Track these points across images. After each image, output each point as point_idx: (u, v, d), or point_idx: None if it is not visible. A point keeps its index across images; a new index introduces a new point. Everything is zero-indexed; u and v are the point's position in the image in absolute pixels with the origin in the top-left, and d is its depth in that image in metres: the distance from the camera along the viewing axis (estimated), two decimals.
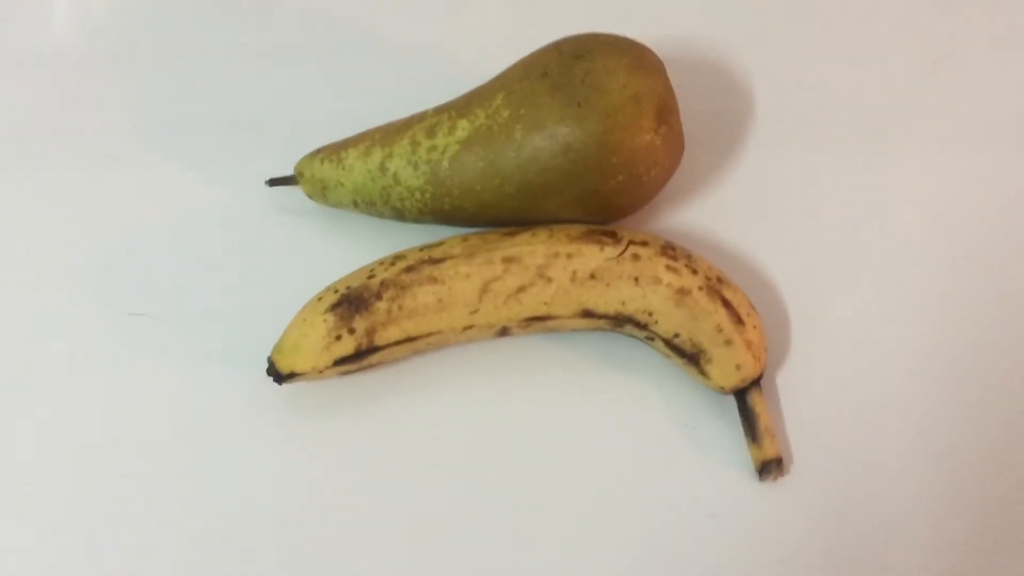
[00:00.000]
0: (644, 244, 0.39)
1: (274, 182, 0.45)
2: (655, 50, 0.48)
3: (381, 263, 0.40)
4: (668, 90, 0.39)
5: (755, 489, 0.40)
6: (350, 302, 0.39)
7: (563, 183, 0.39)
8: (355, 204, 0.43)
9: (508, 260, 0.39)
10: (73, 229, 0.45)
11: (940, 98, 0.48)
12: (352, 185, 0.42)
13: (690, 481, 0.40)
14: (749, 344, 0.39)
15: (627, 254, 0.39)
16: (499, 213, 0.40)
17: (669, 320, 0.39)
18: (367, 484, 0.40)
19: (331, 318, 0.38)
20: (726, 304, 0.39)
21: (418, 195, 0.41)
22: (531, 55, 0.40)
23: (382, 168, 0.41)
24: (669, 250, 0.40)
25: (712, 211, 0.45)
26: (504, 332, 0.40)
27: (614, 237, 0.39)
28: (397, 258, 0.40)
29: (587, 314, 0.39)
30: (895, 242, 0.45)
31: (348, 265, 0.42)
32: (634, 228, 0.44)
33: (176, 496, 0.40)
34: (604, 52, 0.38)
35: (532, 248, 0.39)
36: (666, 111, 0.39)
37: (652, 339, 0.40)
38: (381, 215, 0.43)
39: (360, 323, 0.39)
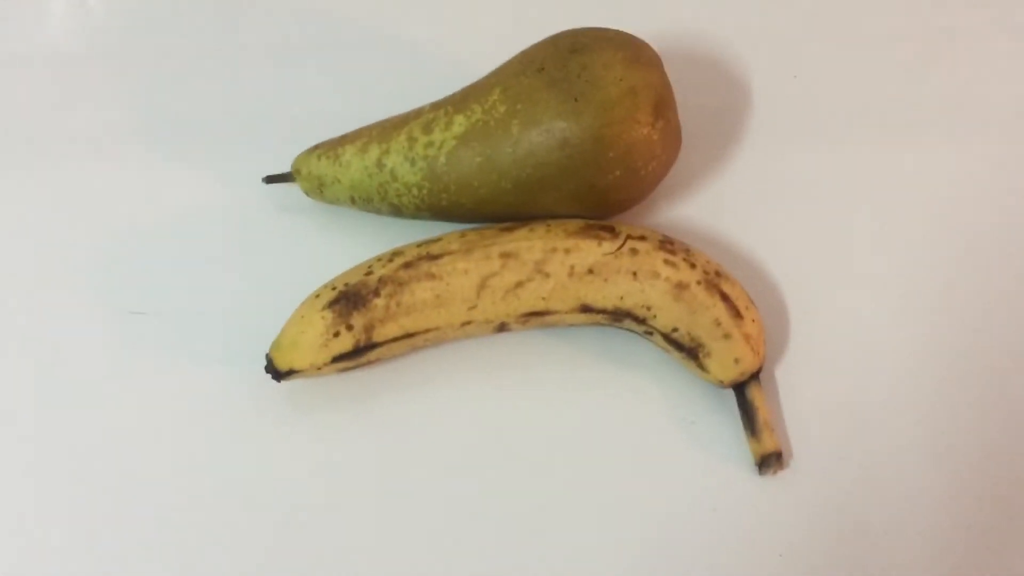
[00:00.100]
0: (642, 238, 0.39)
1: (271, 179, 0.45)
2: (652, 44, 0.47)
3: (379, 259, 0.40)
4: (665, 84, 0.39)
5: (754, 483, 0.40)
6: (348, 299, 0.39)
7: (560, 178, 0.38)
8: (352, 201, 0.43)
9: (506, 256, 0.39)
10: (71, 228, 0.45)
11: (938, 92, 0.48)
12: (349, 182, 0.42)
13: (689, 475, 0.40)
14: (748, 338, 0.39)
15: (625, 248, 0.39)
16: (496, 208, 0.40)
17: (667, 314, 0.39)
18: (366, 481, 0.40)
19: (329, 315, 0.38)
20: (724, 298, 0.39)
21: (415, 191, 0.41)
22: (527, 50, 0.40)
23: (379, 164, 0.41)
24: (667, 244, 0.40)
25: (710, 205, 0.45)
26: (502, 328, 0.40)
27: (612, 232, 0.39)
28: (395, 254, 0.40)
29: (585, 309, 0.39)
30: (893, 235, 0.45)
31: (346, 262, 0.42)
32: (632, 222, 0.44)
33: (175, 493, 0.40)
34: (600, 46, 0.38)
35: (530, 243, 0.39)
36: (663, 105, 0.38)
37: (651, 333, 0.40)
38: (378, 211, 0.43)
39: (358, 320, 0.38)
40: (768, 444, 0.39)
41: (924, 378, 0.42)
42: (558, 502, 0.40)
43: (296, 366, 0.39)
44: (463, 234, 0.40)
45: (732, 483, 0.40)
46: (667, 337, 0.39)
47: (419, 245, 0.40)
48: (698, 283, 0.39)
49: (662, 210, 0.45)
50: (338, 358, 0.39)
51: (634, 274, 0.39)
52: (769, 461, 0.39)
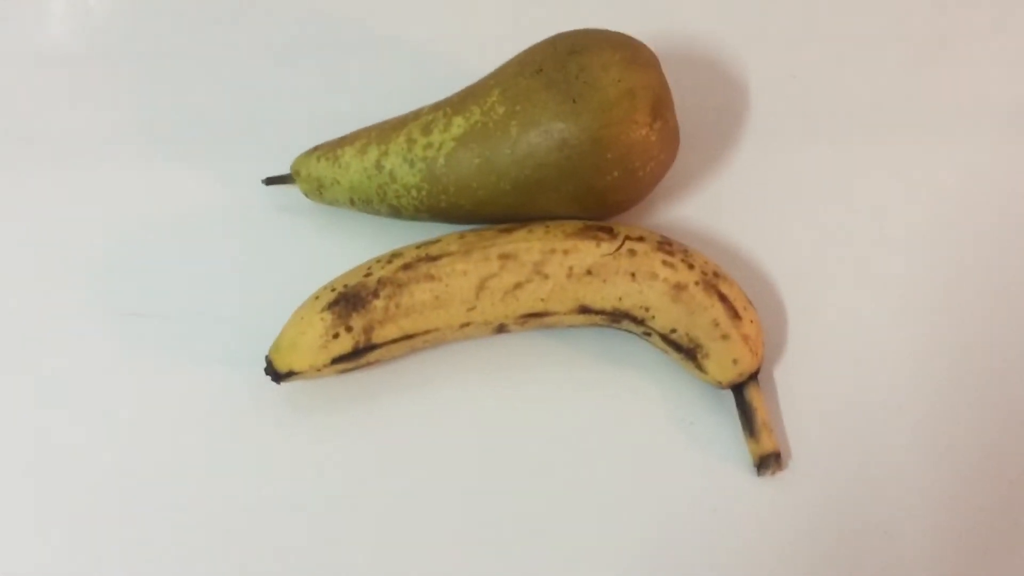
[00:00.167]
0: (640, 239, 0.39)
1: (270, 181, 0.45)
2: (650, 45, 0.48)
3: (378, 261, 0.40)
4: (663, 85, 0.39)
5: (753, 484, 0.40)
6: (347, 300, 0.39)
7: (559, 179, 0.39)
8: (352, 202, 0.43)
9: (504, 257, 0.39)
10: (69, 228, 0.45)
11: (937, 92, 0.48)
12: (348, 183, 0.42)
13: (688, 476, 0.40)
14: (746, 338, 0.39)
15: (623, 250, 0.39)
16: (495, 210, 0.40)
17: (666, 315, 0.39)
18: (366, 482, 0.40)
19: (328, 316, 0.39)
20: (723, 299, 0.39)
21: (414, 192, 0.41)
22: (526, 51, 0.40)
23: (378, 166, 0.41)
24: (665, 245, 0.40)
25: (708, 206, 0.45)
26: (501, 329, 0.40)
27: (610, 233, 0.39)
28: (394, 256, 0.40)
29: (584, 310, 0.39)
30: (892, 235, 0.45)
31: (345, 263, 0.42)
32: (630, 223, 0.44)
33: (174, 495, 0.40)
34: (599, 48, 0.38)
35: (528, 245, 0.39)
36: (661, 106, 0.38)
37: (649, 334, 0.40)
38: (378, 213, 0.43)
39: (357, 321, 0.39)
40: (767, 445, 0.39)
41: (923, 379, 0.42)
42: (557, 503, 0.40)
43: (295, 368, 0.39)
44: (462, 235, 0.40)
45: (731, 484, 0.40)
46: (665, 338, 0.40)
47: (418, 246, 0.40)
48: (696, 284, 0.39)
49: (660, 211, 0.45)
50: (337, 360, 0.39)
51: (632, 275, 0.39)
52: (768, 462, 0.39)
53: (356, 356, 0.39)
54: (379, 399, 0.41)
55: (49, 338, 0.43)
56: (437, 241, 0.40)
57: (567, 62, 0.38)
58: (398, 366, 0.42)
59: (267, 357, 0.39)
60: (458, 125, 0.40)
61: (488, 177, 0.39)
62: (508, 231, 0.40)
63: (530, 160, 0.38)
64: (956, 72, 0.49)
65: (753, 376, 0.39)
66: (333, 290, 0.39)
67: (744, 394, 0.39)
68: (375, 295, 0.39)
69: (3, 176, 0.47)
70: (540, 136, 0.38)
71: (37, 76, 0.49)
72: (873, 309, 0.43)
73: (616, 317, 0.40)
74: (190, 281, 0.44)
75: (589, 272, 0.39)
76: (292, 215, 0.45)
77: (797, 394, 0.41)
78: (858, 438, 0.40)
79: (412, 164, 0.40)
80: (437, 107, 0.41)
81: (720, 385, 0.40)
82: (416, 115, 0.41)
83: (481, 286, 0.39)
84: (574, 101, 0.37)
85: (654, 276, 0.39)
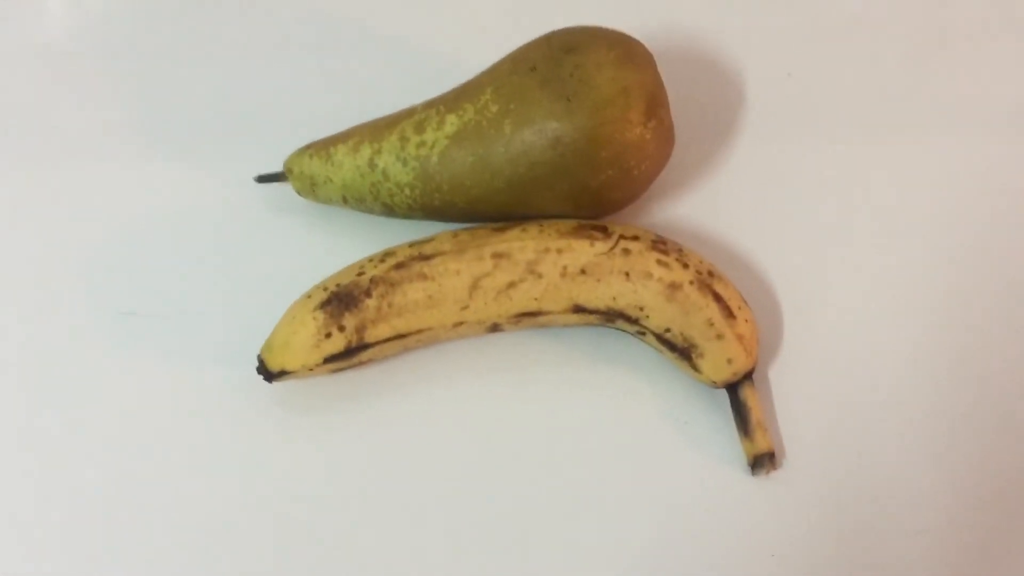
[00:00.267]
0: (635, 238, 0.39)
1: (263, 179, 0.44)
2: (645, 43, 0.47)
3: (371, 260, 0.40)
4: (658, 83, 0.39)
5: (747, 483, 0.40)
6: (340, 299, 0.38)
7: (553, 178, 0.38)
8: (344, 200, 0.42)
9: (498, 256, 0.39)
10: (61, 226, 0.45)
11: (934, 90, 0.48)
12: (341, 181, 0.42)
13: (682, 476, 0.40)
14: (740, 338, 0.39)
15: (618, 249, 0.39)
16: (489, 208, 0.40)
17: (660, 315, 0.39)
18: (359, 481, 0.40)
19: (321, 316, 0.38)
20: (717, 298, 0.39)
21: (407, 191, 0.41)
22: (520, 49, 0.40)
23: (371, 164, 0.41)
24: (660, 244, 0.39)
25: (704, 205, 0.45)
26: (495, 328, 0.40)
27: (604, 232, 0.39)
28: (387, 255, 0.40)
29: (578, 309, 0.39)
30: (888, 234, 0.45)
31: (338, 262, 0.42)
32: (625, 222, 0.44)
33: (165, 494, 0.40)
34: (593, 46, 0.38)
35: (522, 244, 0.39)
36: (656, 104, 0.38)
37: (643, 334, 0.40)
38: (371, 211, 0.43)
39: (350, 320, 0.38)
40: (761, 444, 0.39)
41: (918, 378, 0.42)
42: (550, 503, 0.39)
43: (288, 367, 0.39)
44: (455, 234, 0.40)
45: (725, 483, 0.40)
46: (660, 337, 0.39)
47: (411, 245, 0.40)
48: (691, 283, 0.39)
49: (655, 210, 0.45)
50: (330, 359, 0.39)
51: (627, 274, 0.39)
52: (762, 461, 0.39)
53: (348, 355, 0.39)
54: (372, 399, 0.41)
55: (40, 336, 0.43)
56: (430, 240, 0.40)
57: (561, 60, 0.38)
58: (391, 365, 0.42)
59: (259, 356, 0.39)
60: (451, 123, 0.39)
61: (482, 176, 0.39)
62: (502, 230, 0.40)
63: (524, 159, 0.38)
64: (954, 71, 0.49)
65: (748, 375, 0.39)
66: (325, 289, 0.39)
67: (739, 393, 0.39)
68: (368, 294, 0.38)
69: None
70: (534, 134, 0.38)
71: (30, 73, 0.49)
72: (868, 308, 0.43)
73: (610, 316, 0.40)
74: (181, 279, 0.44)
75: (583, 271, 0.39)
76: (285, 213, 0.45)
77: (792, 394, 0.41)
78: (853, 438, 0.40)
79: (405, 162, 0.40)
80: (430, 105, 0.41)
81: (715, 385, 0.39)
82: (409, 113, 0.41)
83: (474, 285, 0.39)
84: (568, 99, 0.37)
85: (648, 275, 0.39)
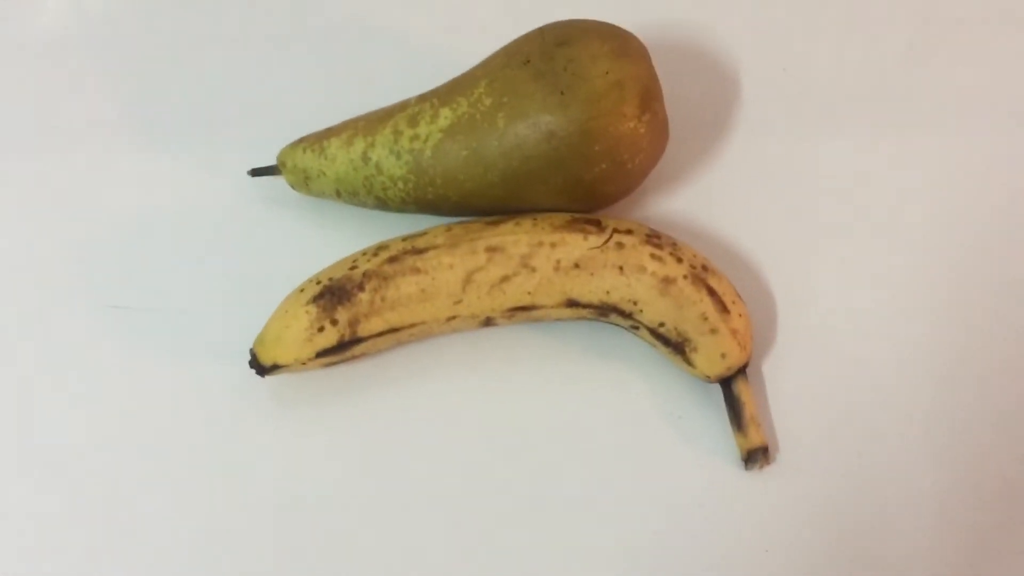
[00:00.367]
0: (628, 232, 0.39)
1: (256, 172, 0.44)
2: (639, 36, 0.47)
3: (364, 253, 0.39)
4: (652, 76, 0.39)
5: (741, 478, 0.40)
6: (332, 293, 0.38)
7: (546, 171, 0.38)
8: (338, 194, 0.42)
9: (491, 250, 0.39)
10: (52, 219, 0.45)
11: (928, 83, 0.48)
12: (335, 175, 0.41)
13: (676, 470, 0.40)
14: (734, 332, 0.39)
15: (611, 243, 0.39)
16: (483, 202, 0.40)
17: (654, 309, 0.39)
18: (352, 475, 0.40)
19: (313, 309, 0.38)
20: (711, 292, 0.39)
21: (401, 184, 0.40)
22: (514, 42, 0.40)
23: (364, 157, 0.41)
24: (654, 238, 0.39)
25: (698, 198, 0.45)
26: (488, 322, 0.40)
27: (598, 226, 0.39)
28: (380, 248, 0.39)
29: (571, 304, 0.39)
30: (884, 229, 0.44)
31: (331, 255, 0.42)
32: (619, 216, 0.44)
33: (158, 488, 0.40)
34: (587, 39, 0.38)
35: (516, 237, 0.39)
36: (650, 98, 0.38)
37: (637, 328, 0.40)
38: (364, 205, 0.42)
39: (343, 314, 0.38)
40: (755, 439, 0.39)
41: (913, 373, 0.41)
42: (543, 497, 0.39)
43: (280, 361, 0.38)
44: (449, 228, 0.40)
45: (718, 478, 0.40)
46: (653, 332, 0.39)
47: (404, 239, 0.40)
48: (685, 277, 0.39)
49: (649, 203, 0.45)
50: (322, 353, 0.39)
51: (620, 268, 0.39)
52: (755, 456, 0.39)
53: (341, 349, 0.39)
54: (365, 393, 0.41)
55: (32, 331, 0.43)
56: (424, 234, 0.40)
57: (555, 53, 0.38)
58: (384, 359, 0.42)
59: (251, 350, 0.39)
60: (445, 117, 0.39)
61: (475, 169, 0.39)
62: (495, 224, 0.39)
63: (518, 152, 0.38)
64: (949, 65, 0.49)
65: (741, 370, 0.39)
66: (318, 283, 0.39)
67: (732, 388, 0.39)
68: (360, 288, 0.38)
69: None
70: (528, 128, 0.38)
71: (23, 68, 0.49)
72: (863, 303, 0.43)
73: (604, 311, 0.39)
74: (174, 273, 0.44)
75: (577, 265, 0.39)
76: (278, 207, 0.45)
77: (786, 388, 0.41)
78: (847, 433, 0.40)
79: (399, 156, 0.40)
80: (424, 98, 0.40)
81: (708, 379, 0.39)
82: (403, 106, 0.41)
83: (468, 279, 0.39)
84: (562, 93, 0.37)
85: (642, 269, 0.39)
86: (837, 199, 0.45)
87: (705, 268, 0.39)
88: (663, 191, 0.45)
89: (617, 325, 0.41)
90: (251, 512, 0.39)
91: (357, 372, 0.41)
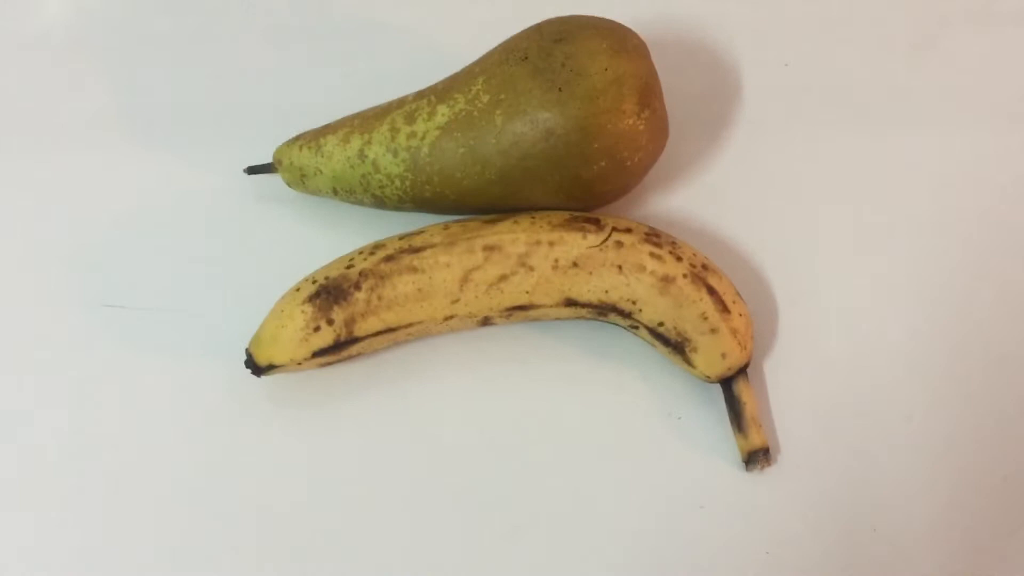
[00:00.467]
0: (628, 231, 0.39)
1: (252, 170, 0.44)
2: (638, 31, 0.47)
3: (360, 252, 0.39)
4: (651, 73, 0.38)
5: (742, 479, 0.39)
6: (328, 292, 0.38)
7: (545, 169, 0.38)
8: (334, 192, 0.42)
9: (489, 248, 0.38)
10: (46, 217, 0.45)
11: (930, 79, 0.48)
12: (331, 172, 0.41)
13: (676, 471, 0.40)
14: (735, 332, 0.38)
15: (610, 241, 0.38)
16: (480, 200, 0.40)
17: (653, 308, 0.38)
18: (348, 475, 0.40)
19: (309, 309, 0.38)
20: (711, 292, 0.38)
21: (398, 182, 0.40)
22: (512, 38, 0.40)
23: (361, 155, 0.40)
24: (653, 237, 0.39)
25: (698, 196, 0.45)
26: (486, 322, 0.40)
27: (597, 224, 0.39)
28: (376, 247, 0.39)
29: (570, 303, 0.39)
30: (885, 226, 0.44)
31: (327, 254, 0.42)
32: (618, 215, 0.44)
33: (153, 488, 0.39)
34: (585, 35, 0.38)
35: (513, 236, 0.38)
36: (649, 95, 0.38)
37: (636, 327, 0.39)
38: (361, 203, 0.42)
39: (339, 314, 0.38)
40: (755, 440, 0.38)
41: (913, 373, 0.41)
42: (542, 497, 0.39)
43: (276, 361, 0.38)
44: (446, 226, 0.39)
45: (719, 479, 0.39)
46: (653, 331, 0.39)
47: (401, 238, 0.39)
48: (684, 276, 0.38)
49: (649, 202, 0.45)
50: (318, 353, 0.38)
51: (619, 267, 0.38)
52: (756, 457, 0.39)
53: (337, 349, 0.38)
54: (361, 392, 0.41)
55: (25, 330, 0.42)
56: (421, 232, 0.39)
57: (553, 50, 0.37)
58: (380, 359, 0.41)
59: (247, 350, 0.39)
60: (442, 114, 0.39)
61: (473, 167, 0.39)
62: (493, 222, 0.39)
63: (515, 150, 0.38)
64: (951, 61, 0.48)
65: (742, 370, 0.39)
66: (314, 282, 0.38)
67: (733, 388, 0.39)
68: (357, 287, 0.38)
69: None
70: (526, 125, 0.37)
71: (16, 64, 0.49)
72: (864, 302, 0.43)
73: (603, 310, 0.39)
74: (170, 272, 0.43)
75: (575, 264, 0.38)
76: (274, 205, 0.45)
77: (787, 388, 0.41)
78: (848, 433, 0.40)
79: (396, 153, 0.40)
80: (421, 95, 0.40)
81: (708, 379, 0.39)
82: (400, 103, 0.40)
83: (465, 278, 0.38)
84: (560, 90, 0.37)
85: (641, 268, 0.38)
86: (839, 196, 0.45)
87: (705, 267, 0.39)
88: (663, 189, 0.45)
89: (616, 325, 0.40)
90: (247, 512, 0.39)
91: (354, 372, 0.41)
